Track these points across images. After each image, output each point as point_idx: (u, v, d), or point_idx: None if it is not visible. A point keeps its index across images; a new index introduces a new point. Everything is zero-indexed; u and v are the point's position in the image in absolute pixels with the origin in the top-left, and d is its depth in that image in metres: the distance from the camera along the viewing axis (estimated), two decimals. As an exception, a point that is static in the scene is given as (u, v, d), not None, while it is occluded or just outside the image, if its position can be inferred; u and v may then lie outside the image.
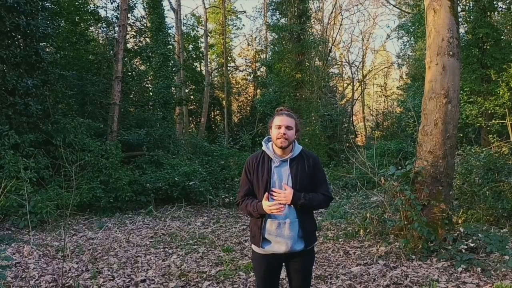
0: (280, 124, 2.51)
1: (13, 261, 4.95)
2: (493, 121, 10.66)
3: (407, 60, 23.59)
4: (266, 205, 2.44)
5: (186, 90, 22.88)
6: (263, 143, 2.67)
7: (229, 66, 26.15)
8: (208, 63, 24.89)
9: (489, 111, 10.81)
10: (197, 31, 26.45)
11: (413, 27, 15.19)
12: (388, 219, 5.80)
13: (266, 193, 2.49)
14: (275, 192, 2.50)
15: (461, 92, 9.95)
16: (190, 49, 24.52)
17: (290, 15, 19.23)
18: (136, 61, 15.56)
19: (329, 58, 24.26)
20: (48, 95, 9.56)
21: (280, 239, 2.51)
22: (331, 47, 24.37)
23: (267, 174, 2.54)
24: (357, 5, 32.23)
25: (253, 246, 2.65)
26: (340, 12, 26.60)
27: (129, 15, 12.92)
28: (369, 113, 28.87)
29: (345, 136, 20.19)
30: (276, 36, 20.99)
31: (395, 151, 12.54)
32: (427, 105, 5.48)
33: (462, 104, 10.49)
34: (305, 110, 18.40)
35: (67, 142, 9.01)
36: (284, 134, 2.49)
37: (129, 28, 13.50)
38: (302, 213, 2.54)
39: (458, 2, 10.01)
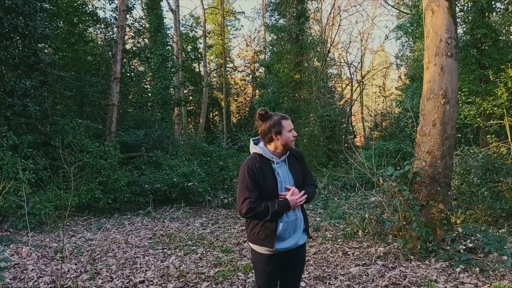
0: (292, 128, 2.63)
1: (11, 262, 4.94)
2: (491, 121, 10.69)
3: (406, 60, 23.60)
4: (294, 199, 2.53)
5: (185, 91, 22.89)
6: (256, 146, 2.64)
7: (228, 67, 26.17)
8: (207, 64, 24.89)
9: (487, 112, 10.83)
10: (195, 32, 26.49)
11: (412, 28, 15.23)
12: (386, 220, 5.81)
13: (292, 187, 2.57)
14: (289, 191, 2.57)
15: (459, 92, 9.98)
16: (189, 50, 24.51)
17: (289, 16, 19.25)
18: (135, 62, 15.57)
19: (328, 58, 24.30)
20: (46, 96, 9.54)
21: (293, 235, 2.61)
22: (329, 48, 24.39)
23: (273, 176, 2.57)
24: (355, 5, 32.30)
25: (260, 248, 2.61)
26: (339, 13, 26.62)
27: (127, 16, 12.92)
28: (367, 114, 28.88)
29: (343, 136, 20.22)
30: (275, 37, 21.01)
31: (393, 151, 12.56)
32: (425, 106, 5.48)
33: (460, 105, 10.52)
34: (303, 111, 18.42)
35: (66, 143, 8.98)
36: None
37: (127, 29, 13.51)
38: (301, 207, 2.69)
39: (456, 2, 10.01)
